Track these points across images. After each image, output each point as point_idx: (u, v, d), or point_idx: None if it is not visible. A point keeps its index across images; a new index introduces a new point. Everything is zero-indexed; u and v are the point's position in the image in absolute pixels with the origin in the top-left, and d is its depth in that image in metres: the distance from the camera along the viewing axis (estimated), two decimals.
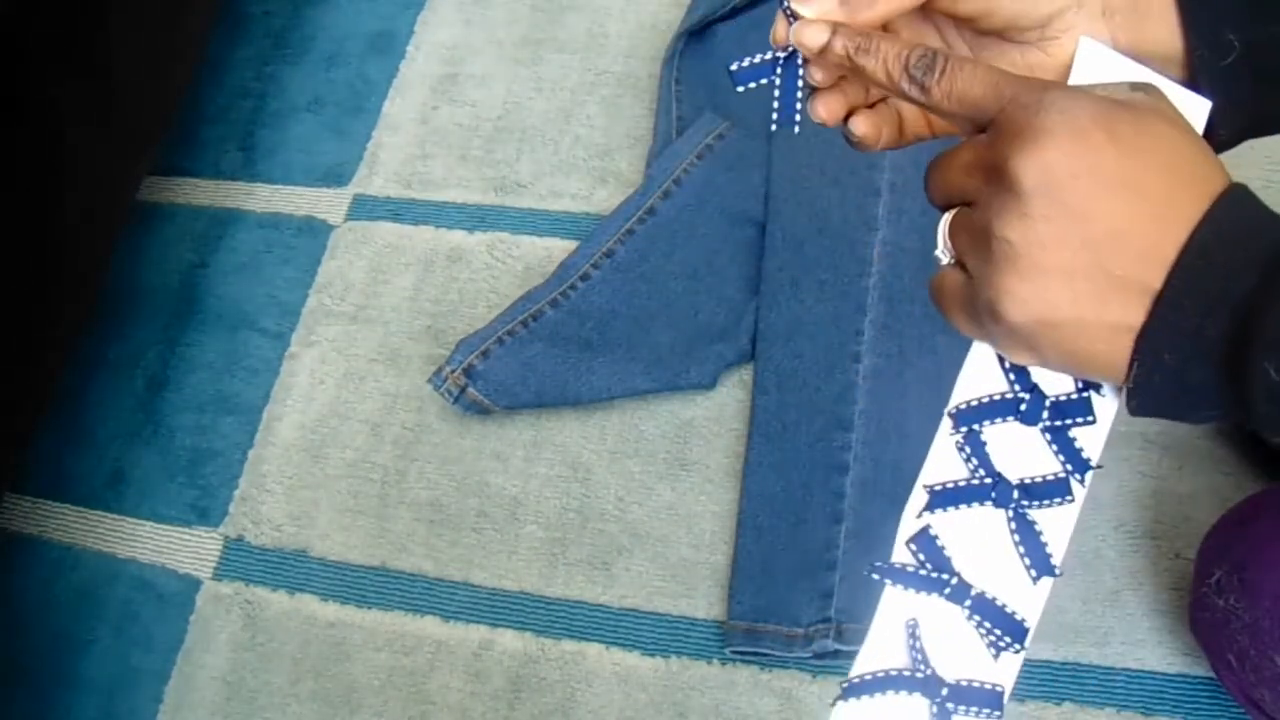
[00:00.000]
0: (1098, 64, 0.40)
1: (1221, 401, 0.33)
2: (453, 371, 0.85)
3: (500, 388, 0.85)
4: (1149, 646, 0.73)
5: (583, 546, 0.83)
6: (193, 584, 0.86)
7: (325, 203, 1.02)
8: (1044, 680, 0.74)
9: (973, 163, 0.36)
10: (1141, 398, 0.34)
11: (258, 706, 0.80)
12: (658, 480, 0.84)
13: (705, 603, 0.79)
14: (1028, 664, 0.74)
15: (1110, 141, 0.33)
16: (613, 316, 0.89)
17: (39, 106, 0.79)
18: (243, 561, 0.86)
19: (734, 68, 0.45)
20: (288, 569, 0.85)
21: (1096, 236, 0.33)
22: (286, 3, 1.15)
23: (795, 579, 0.77)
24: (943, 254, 0.39)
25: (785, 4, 0.41)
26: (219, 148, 1.07)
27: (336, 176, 1.03)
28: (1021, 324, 0.34)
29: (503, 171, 1.00)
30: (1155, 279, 0.32)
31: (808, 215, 0.91)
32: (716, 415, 0.86)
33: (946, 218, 0.39)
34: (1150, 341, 0.33)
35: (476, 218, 0.98)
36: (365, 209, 1.01)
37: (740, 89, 0.45)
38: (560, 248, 0.95)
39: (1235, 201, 0.33)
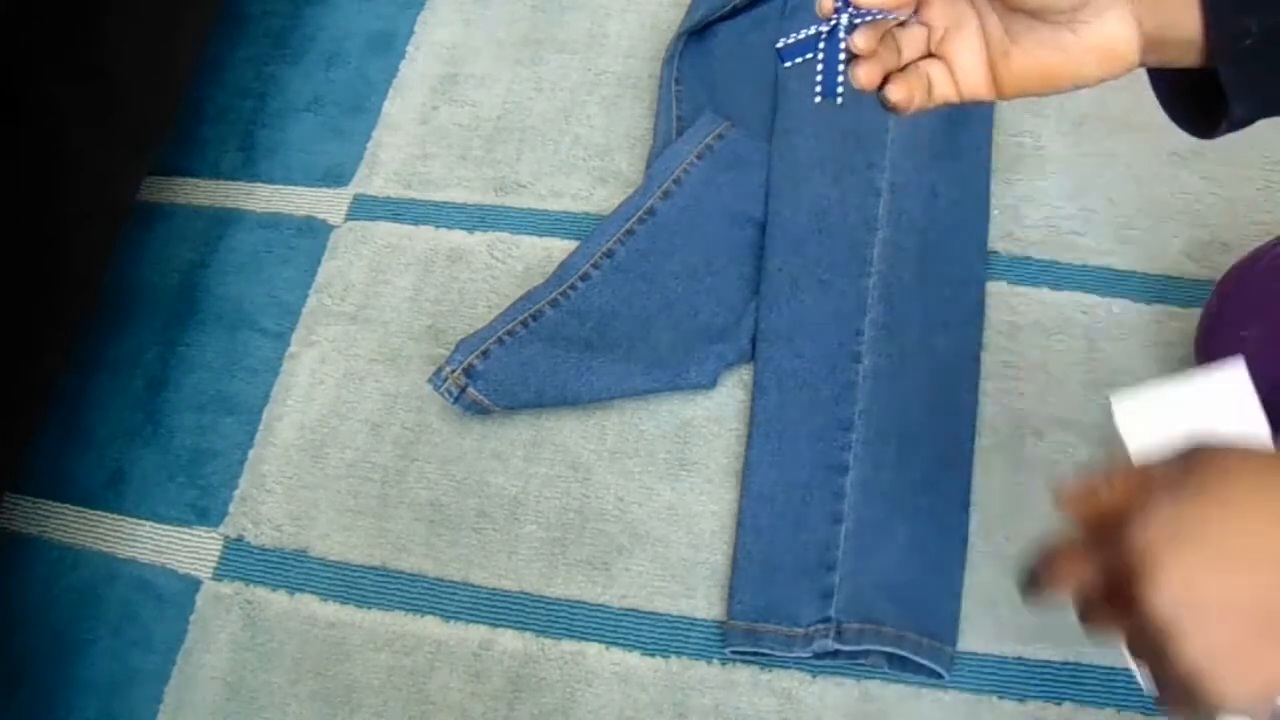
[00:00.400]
0: (1142, 423, 0.41)
1: None
2: (453, 371, 0.85)
3: (500, 388, 0.85)
4: None
5: (583, 546, 0.83)
6: (193, 584, 0.85)
7: (325, 203, 1.02)
8: (1044, 680, 0.74)
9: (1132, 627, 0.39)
10: None
11: (258, 706, 0.80)
12: (658, 480, 0.84)
13: (705, 603, 0.79)
14: (1028, 664, 0.74)
15: (1228, 566, 0.36)
16: (613, 316, 0.89)
17: (39, 106, 0.79)
18: (243, 561, 0.86)
19: (780, 45, 0.48)
20: (288, 569, 0.85)
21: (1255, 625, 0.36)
22: (286, 3, 1.15)
23: (795, 579, 0.77)
24: (1146, 684, 0.41)
25: None
26: (219, 148, 1.07)
27: (336, 176, 1.03)
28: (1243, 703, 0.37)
29: (503, 171, 1.00)
30: None
31: (808, 215, 0.91)
32: (716, 415, 0.86)
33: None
34: None
35: (476, 218, 0.98)
36: (365, 209, 1.01)
37: (787, 64, 0.48)
38: (560, 248, 0.95)
39: None
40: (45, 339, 0.83)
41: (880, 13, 0.44)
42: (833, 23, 0.45)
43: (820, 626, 0.75)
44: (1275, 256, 0.73)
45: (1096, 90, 1.09)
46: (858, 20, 0.45)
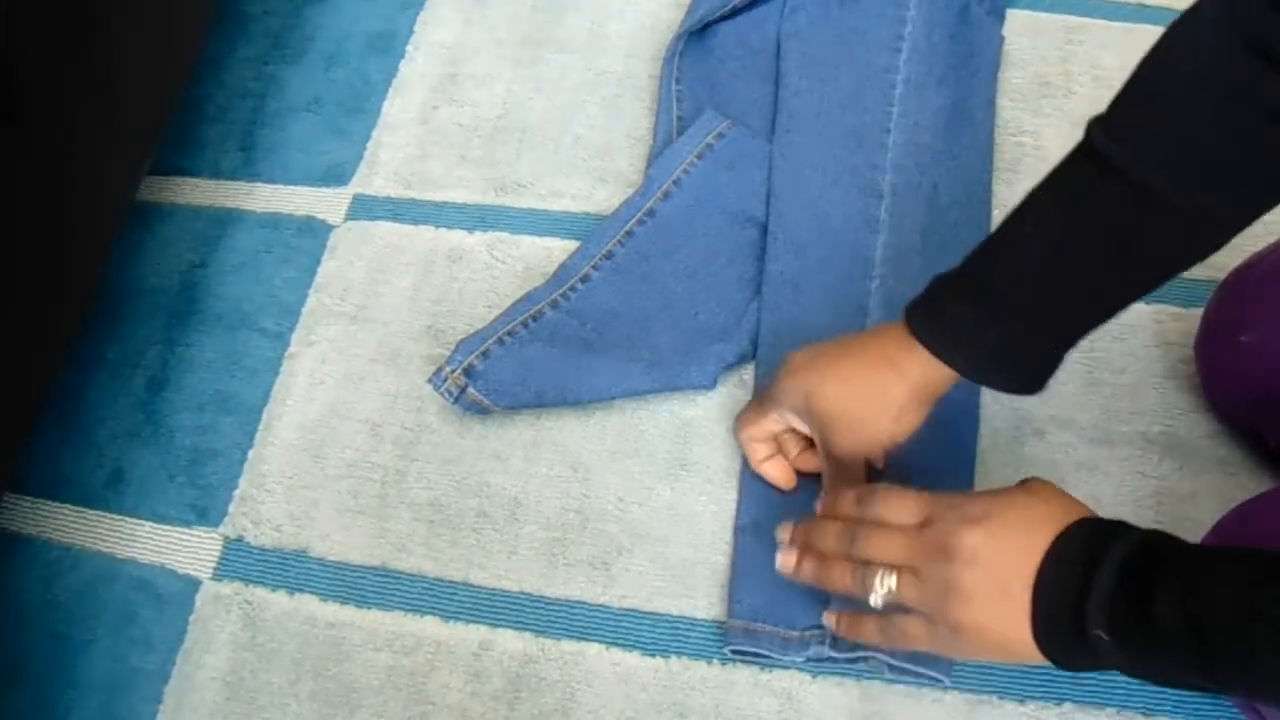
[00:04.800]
0: None
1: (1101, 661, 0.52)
2: (453, 371, 0.85)
3: (500, 388, 0.85)
4: None
5: (583, 546, 0.83)
6: (192, 584, 0.85)
7: (325, 203, 1.02)
8: (1044, 680, 0.74)
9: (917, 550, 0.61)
10: (1059, 662, 0.55)
11: (258, 706, 0.80)
12: (658, 480, 0.84)
13: (705, 603, 0.79)
14: (1028, 664, 0.74)
15: (993, 547, 0.56)
16: (613, 317, 0.89)
17: (38, 106, 0.79)
18: (243, 561, 0.86)
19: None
20: (288, 569, 0.85)
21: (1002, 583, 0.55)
22: (286, 3, 1.15)
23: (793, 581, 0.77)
24: (878, 601, 0.62)
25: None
26: (219, 148, 1.07)
27: (336, 176, 1.03)
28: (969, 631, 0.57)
29: (503, 171, 1.00)
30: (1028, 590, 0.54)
31: (809, 217, 0.90)
32: (716, 415, 0.86)
33: (880, 592, 0.61)
34: (1038, 627, 0.54)
35: (476, 218, 0.98)
36: (365, 209, 1.01)
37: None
38: (560, 248, 0.95)
39: (1067, 535, 0.54)
40: (44, 338, 0.83)
41: None
42: None
43: (815, 632, 0.74)
44: (1276, 260, 0.73)
45: (1096, 90, 1.09)
46: None
